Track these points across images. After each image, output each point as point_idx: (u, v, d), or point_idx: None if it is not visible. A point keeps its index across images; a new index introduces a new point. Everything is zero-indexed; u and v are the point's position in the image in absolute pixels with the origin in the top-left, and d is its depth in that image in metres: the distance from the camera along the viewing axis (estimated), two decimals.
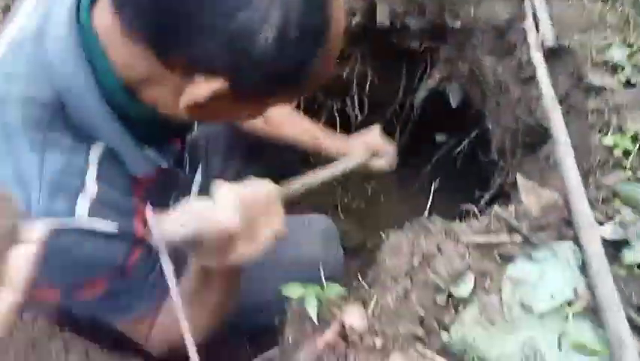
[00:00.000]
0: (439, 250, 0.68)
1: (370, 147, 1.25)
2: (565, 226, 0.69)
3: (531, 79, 1.06)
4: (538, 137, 1.07)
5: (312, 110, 1.60)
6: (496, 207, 0.71)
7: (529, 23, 0.97)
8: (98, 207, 0.71)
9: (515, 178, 1.18)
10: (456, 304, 0.64)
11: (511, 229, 0.70)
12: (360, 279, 0.75)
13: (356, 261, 1.51)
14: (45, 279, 0.72)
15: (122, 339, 1.13)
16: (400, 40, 1.41)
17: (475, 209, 0.84)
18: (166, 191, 0.89)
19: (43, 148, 0.67)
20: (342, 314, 0.62)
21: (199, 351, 0.70)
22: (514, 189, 1.21)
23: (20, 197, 0.64)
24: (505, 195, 1.22)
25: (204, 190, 0.76)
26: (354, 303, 0.64)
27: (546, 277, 0.63)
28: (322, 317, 0.63)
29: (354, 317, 0.62)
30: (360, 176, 1.36)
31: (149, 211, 0.65)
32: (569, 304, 0.62)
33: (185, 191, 0.98)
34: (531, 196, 0.73)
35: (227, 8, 0.58)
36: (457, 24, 1.19)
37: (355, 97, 1.54)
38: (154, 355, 0.95)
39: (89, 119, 0.69)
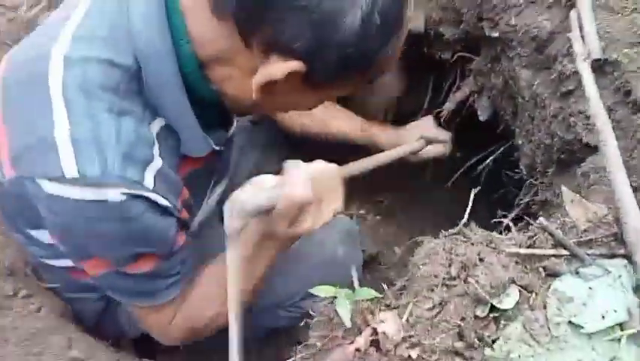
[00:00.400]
0: (480, 259, 0.63)
1: (425, 136, 1.29)
2: (615, 243, 0.65)
3: (570, 93, 1.02)
4: (574, 154, 1.02)
5: None
6: (541, 219, 0.67)
7: (575, 34, 0.93)
8: (159, 182, 0.71)
9: (545, 197, 1.15)
10: (497, 318, 0.60)
11: (557, 244, 0.66)
12: (385, 287, 0.71)
13: (365, 274, 1.47)
14: (101, 248, 0.73)
15: (123, 337, 1.10)
16: (431, 50, 1.38)
17: (511, 223, 0.79)
18: (204, 177, 0.87)
19: (120, 114, 0.67)
20: (374, 320, 0.58)
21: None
22: (543, 208, 1.17)
23: (96, 159, 0.64)
24: (532, 215, 1.18)
25: (233, 185, 0.76)
26: (388, 310, 0.60)
27: (596, 295, 0.59)
28: (353, 321, 0.59)
29: (388, 325, 0.57)
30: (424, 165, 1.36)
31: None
32: (622, 326, 0.57)
33: (220, 180, 0.96)
34: (578, 209, 0.69)
35: None
36: (495, 33, 1.16)
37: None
38: (166, 344, 0.93)
39: (161, 89, 0.69)
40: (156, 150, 0.71)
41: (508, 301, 0.59)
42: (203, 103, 0.74)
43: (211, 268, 0.90)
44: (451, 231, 0.70)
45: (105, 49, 0.67)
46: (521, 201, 1.26)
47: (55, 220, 0.70)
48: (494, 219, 0.90)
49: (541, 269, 0.64)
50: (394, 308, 0.61)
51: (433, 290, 0.63)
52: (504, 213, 1.30)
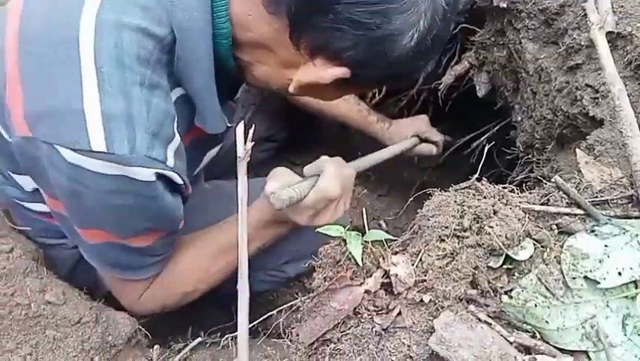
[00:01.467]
0: (495, 212, 0.61)
1: (419, 133, 1.36)
2: (631, 205, 0.63)
3: (577, 67, 1.01)
4: (577, 128, 1.01)
5: None
6: (556, 177, 0.65)
7: (590, 5, 0.92)
8: (177, 159, 0.71)
9: (542, 173, 1.14)
10: (510, 270, 0.57)
11: (571, 202, 0.64)
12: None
13: None
14: (111, 220, 0.72)
15: (97, 289, 1.05)
16: None
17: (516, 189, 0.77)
18: (202, 144, 0.87)
19: (150, 88, 0.64)
20: (386, 263, 0.55)
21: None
22: (540, 185, 1.16)
23: (126, 136, 0.62)
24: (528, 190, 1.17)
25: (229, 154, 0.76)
26: (400, 254, 0.57)
27: (612, 252, 0.57)
28: (362, 263, 0.56)
29: (400, 267, 0.54)
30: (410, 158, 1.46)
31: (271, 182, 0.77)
32: (636, 284, 0.56)
33: (214, 146, 0.96)
34: (593, 171, 0.67)
35: (385, 8, 0.61)
36: (504, 4, 1.13)
37: None
38: (134, 313, 0.92)
39: (192, 63, 0.68)
40: (175, 125, 0.70)
41: (523, 253, 0.57)
42: (221, 77, 0.74)
43: (191, 244, 0.90)
44: (463, 185, 0.67)
45: (140, 15, 0.64)
46: (515, 179, 1.25)
47: (70, 187, 0.67)
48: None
49: (554, 226, 0.62)
50: (405, 253, 0.58)
51: (443, 240, 0.60)
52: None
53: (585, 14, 0.94)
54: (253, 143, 0.50)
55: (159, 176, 0.68)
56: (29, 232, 0.97)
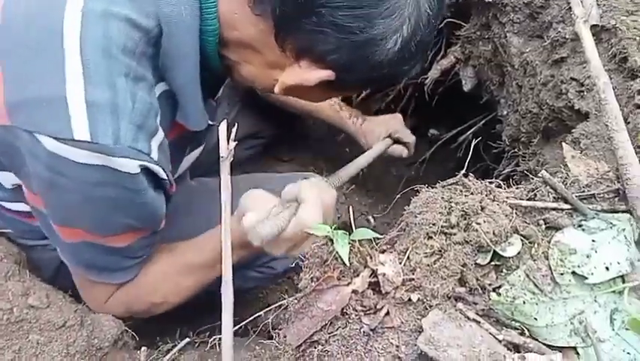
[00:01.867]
0: (482, 208, 0.61)
1: (392, 134, 1.35)
2: (617, 199, 0.63)
3: (562, 60, 1.01)
4: (562, 122, 1.01)
5: None
6: (543, 172, 0.64)
7: None
8: (160, 153, 0.69)
9: (528, 166, 1.14)
10: (498, 266, 0.57)
11: (558, 197, 0.64)
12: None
13: None
14: (90, 215, 0.70)
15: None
16: None
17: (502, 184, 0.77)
18: (183, 143, 0.85)
19: (135, 80, 0.63)
20: (373, 262, 0.54)
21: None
22: (526, 178, 1.17)
23: (110, 126, 0.61)
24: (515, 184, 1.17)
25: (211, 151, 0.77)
26: (387, 253, 0.56)
27: (600, 247, 0.57)
28: (349, 263, 0.55)
29: (388, 267, 0.53)
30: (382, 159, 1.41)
31: (249, 216, 0.71)
32: (624, 278, 0.56)
33: (197, 146, 0.95)
34: (579, 165, 0.67)
35: (369, 13, 0.61)
36: None
37: None
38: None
39: (177, 58, 0.68)
40: (158, 119, 0.68)
41: (511, 250, 0.57)
42: (205, 74, 0.73)
43: (166, 254, 0.88)
44: (450, 181, 0.67)
45: (128, 6, 0.63)
46: (502, 172, 1.25)
47: (50, 178, 0.65)
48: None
49: (541, 222, 0.61)
50: (391, 253, 0.57)
51: (431, 238, 0.59)
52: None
53: (570, 8, 0.94)
54: (236, 142, 0.49)
55: (143, 169, 0.66)
56: (11, 233, 0.95)
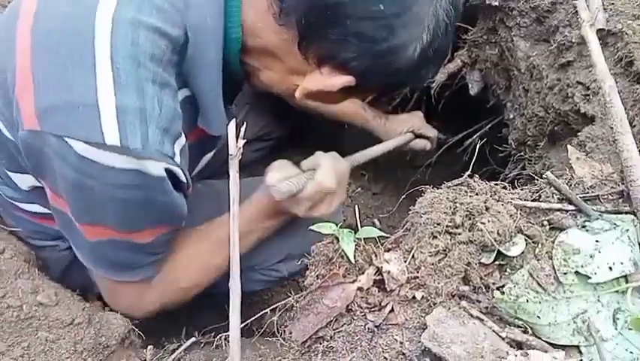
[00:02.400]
0: (487, 208, 0.61)
1: (414, 129, 1.38)
2: (621, 200, 0.63)
3: (569, 64, 1.01)
4: (568, 125, 1.02)
5: None
6: (548, 173, 0.65)
7: (581, 3, 0.92)
8: (182, 157, 0.72)
9: (534, 170, 1.14)
10: (502, 266, 0.58)
11: (563, 198, 0.64)
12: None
13: None
14: (116, 214, 0.71)
15: (89, 291, 1.05)
16: None
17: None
18: (202, 148, 0.88)
19: (162, 86, 0.66)
20: (378, 260, 0.55)
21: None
22: (532, 181, 1.17)
23: (139, 130, 0.63)
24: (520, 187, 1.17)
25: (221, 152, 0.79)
26: (392, 251, 0.57)
27: (604, 248, 0.57)
28: (354, 261, 0.56)
29: (393, 264, 0.54)
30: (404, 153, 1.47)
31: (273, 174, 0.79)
32: (627, 278, 0.56)
33: (211, 149, 0.96)
34: (584, 167, 0.67)
35: (390, 23, 0.64)
36: (495, 2, 1.13)
37: None
38: (136, 317, 0.91)
39: (201, 65, 0.70)
40: (181, 124, 0.70)
41: (515, 249, 0.57)
42: (226, 80, 0.76)
43: (189, 239, 0.89)
44: (455, 181, 0.67)
45: (155, 15, 0.65)
46: (508, 176, 1.25)
47: (78, 180, 0.67)
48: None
49: (546, 222, 0.62)
50: (397, 250, 0.58)
51: (436, 237, 0.60)
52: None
53: (576, 12, 0.95)
54: (245, 141, 0.50)
55: (167, 171, 0.68)
56: (21, 233, 0.96)
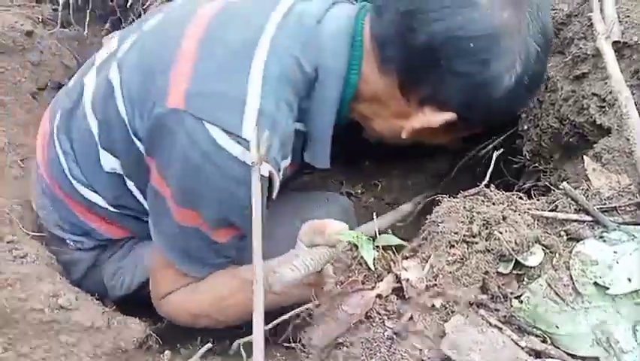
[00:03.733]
0: (504, 217, 0.62)
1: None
2: (639, 211, 0.64)
3: (584, 76, 1.01)
4: (584, 137, 1.02)
5: None
6: (564, 184, 0.65)
7: (597, 15, 0.93)
8: (282, 176, 0.78)
9: (549, 181, 1.14)
10: (520, 275, 0.58)
11: (580, 209, 0.65)
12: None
13: None
14: (216, 206, 0.75)
15: (105, 297, 1.06)
16: None
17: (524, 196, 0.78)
18: (286, 182, 0.91)
19: (290, 109, 0.74)
20: (397, 267, 0.56)
21: None
22: (547, 193, 1.17)
23: (270, 138, 0.68)
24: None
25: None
26: (410, 259, 0.58)
27: (622, 259, 0.57)
28: (373, 268, 0.56)
29: (412, 272, 0.55)
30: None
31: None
32: None
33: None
34: (600, 178, 0.68)
35: (482, 58, 0.68)
36: None
37: None
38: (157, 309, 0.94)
39: (322, 102, 0.78)
40: (290, 148, 0.78)
41: (533, 259, 0.58)
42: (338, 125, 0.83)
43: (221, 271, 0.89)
44: (471, 191, 0.68)
45: (299, 50, 0.75)
46: (522, 187, 1.25)
47: (199, 164, 0.72)
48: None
49: (563, 233, 0.62)
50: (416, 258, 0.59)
51: (453, 246, 0.61)
52: None
53: (591, 24, 0.96)
54: (266, 147, 0.51)
55: (269, 176, 0.74)
56: (49, 220, 0.99)
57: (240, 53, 0.73)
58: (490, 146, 1.50)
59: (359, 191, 1.68)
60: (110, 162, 0.87)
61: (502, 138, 1.46)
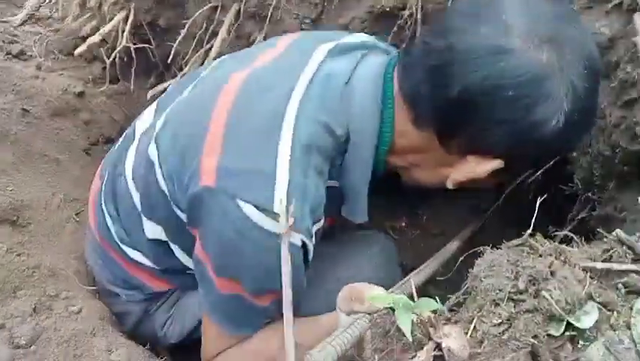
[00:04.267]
0: (552, 272, 0.58)
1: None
2: None
3: (634, 101, 0.96)
4: (639, 166, 0.96)
5: None
6: (618, 230, 0.61)
7: None
8: (315, 237, 0.78)
9: (605, 212, 1.08)
10: (574, 337, 0.54)
11: (637, 258, 0.60)
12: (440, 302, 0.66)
13: None
14: (254, 276, 0.77)
15: (158, 344, 1.08)
16: None
17: (576, 238, 0.74)
18: (327, 234, 0.92)
19: (320, 174, 0.75)
20: (437, 334, 0.53)
21: None
22: (604, 224, 1.09)
23: (299, 206, 0.72)
24: (590, 230, 1.10)
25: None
26: (451, 324, 0.55)
27: None
28: (412, 334, 0.54)
29: (453, 340, 0.52)
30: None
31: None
32: None
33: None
34: None
35: (525, 103, 0.65)
36: None
37: None
38: None
39: (355, 161, 0.79)
40: (323, 209, 0.78)
41: (587, 320, 0.53)
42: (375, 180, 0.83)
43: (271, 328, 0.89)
44: (515, 241, 0.65)
45: (327, 114, 0.76)
46: (576, 217, 1.19)
47: (233, 239, 0.74)
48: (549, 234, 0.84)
49: (620, 286, 0.58)
50: (457, 322, 0.56)
51: (498, 305, 0.57)
52: (556, 229, 1.23)
53: (636, 48, 0.91)
54: (294, 219, 0.51)
55: (303, 245, 0.75)
56: (101, 277, 1.03)
57: (267, 125, 0.74)
58: (538, 173, 1.44)
59: (403, 224, 1.64)
60: (153, 231, 0.90)
61: (550, 164, 1.40)
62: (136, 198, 0.91)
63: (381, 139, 0.78)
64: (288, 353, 0.41)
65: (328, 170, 0.77)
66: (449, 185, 0.78)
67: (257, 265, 0.75)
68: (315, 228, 0.77)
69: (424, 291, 1.45)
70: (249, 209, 0.71)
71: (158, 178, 0.84)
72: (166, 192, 0.83)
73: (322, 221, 0.79)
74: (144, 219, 0.90)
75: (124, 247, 0.95)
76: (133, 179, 0.91)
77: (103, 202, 0.98)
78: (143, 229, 0.91)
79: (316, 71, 0.79)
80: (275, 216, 0.70)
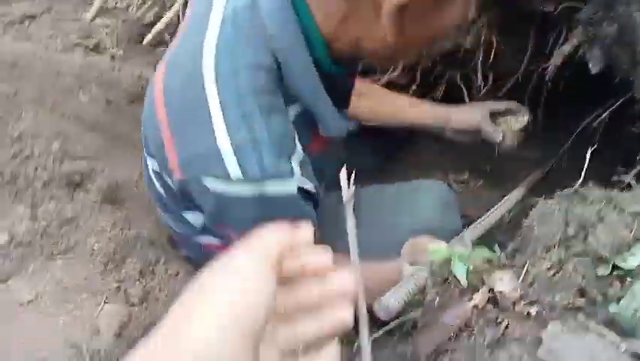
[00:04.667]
0: (600, 218, 0.62)
1: (495, 109, 1.30)
2: None
3: None
4: None
5: (428, 83, 1.54)
6: None
7: None
8: (303, 169, 0.79)
9: None
10: (622, 276, 0.58)
11: None
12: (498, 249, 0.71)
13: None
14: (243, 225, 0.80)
15: None
16: (531, 3, 1.30)
17: (633, 180, 0.75)
18: (325, 164, 0.92)
19: (269, 111, 0.74)
20: (490, 280, 0.60)
21: None
22: None
23: (254, 159, 0.72)
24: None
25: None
26: (504, 270, 0.61)
27: None
28: (468, 281, 0.61)
29: (504, 284, 0.58)
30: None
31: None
32: None
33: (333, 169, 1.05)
34: None
35: None
36: None
37: (479, 66, 1.45)
38: None
39: (298, 78, 0.77)
40: (296, 139, 0.78)
41: (633, 260, 0.57)
42: (329, 84, 0.80)
43: None
44: (567, 190, 0.68)
45: (249, 53, 0.74)
46: None
47: (219, 213, 0.80)
48: (613, 178, 0.85)
49: None
50: (510, 268, 0.62)
51: (549, 250, 0.62)
52: (624, 169, 1.21)
53: None
54: (355, 186, 0.57)
55: (299, 188, 0.77)
56: (193, 260, 1.14)
57: (193, 103, 0.75)
58: (605, 114, 1.40)
59: (466, 177, 1.66)
60: (197, 219, 0.96)
61: (617, 104, 1.36)
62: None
63: (310, 37, 0.75)
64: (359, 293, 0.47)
65: (282, 98, 0.76)
66: (386, 20, 0.71)
67: (253, 220, 0.75)
68: (294, 162, 0.77)
69: (489, 236, 1.50)
70: (212, 184, 0.75)
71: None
72: (170, 183, 0.89)
73: (300, 151, 0.79)
74: (183, 213, 0.97)
75: (192, 237, 1.03)
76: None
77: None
78: (189, 221, 0.97)
79: (223, 17, 0.76)
80: (237, 182, 0.73)
